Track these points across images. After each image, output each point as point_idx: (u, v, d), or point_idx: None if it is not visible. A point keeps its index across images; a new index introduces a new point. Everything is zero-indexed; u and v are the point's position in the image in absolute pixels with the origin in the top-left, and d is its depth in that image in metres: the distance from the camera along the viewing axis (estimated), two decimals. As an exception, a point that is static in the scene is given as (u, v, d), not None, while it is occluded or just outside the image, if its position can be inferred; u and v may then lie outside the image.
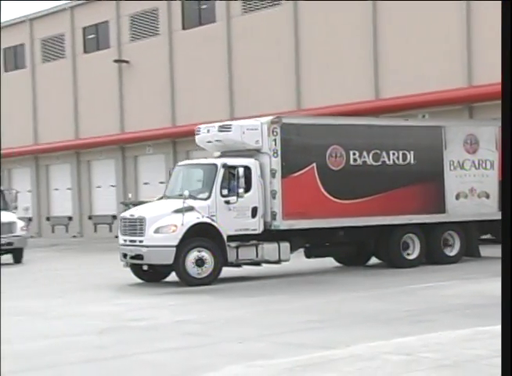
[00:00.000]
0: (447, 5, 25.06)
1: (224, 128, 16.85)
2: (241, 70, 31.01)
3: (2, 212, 24.07)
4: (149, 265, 16.15)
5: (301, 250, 17.62)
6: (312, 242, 17.38)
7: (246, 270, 17.23)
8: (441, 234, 18.32)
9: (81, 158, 37.85)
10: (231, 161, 16.32)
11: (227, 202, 15.99)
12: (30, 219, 36.21)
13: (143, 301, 14.21)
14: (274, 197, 16.33)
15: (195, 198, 16.07)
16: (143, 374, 8.41)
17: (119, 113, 35.57)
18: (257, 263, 16.61)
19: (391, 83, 26.66)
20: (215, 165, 16.26)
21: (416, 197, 17.96)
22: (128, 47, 35.23)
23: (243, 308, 12.93)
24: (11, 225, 23.75)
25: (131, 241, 16.18)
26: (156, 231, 15.73)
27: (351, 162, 17.22)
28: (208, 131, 17.24)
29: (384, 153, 17.60)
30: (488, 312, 10.95)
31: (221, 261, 15.96)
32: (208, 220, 15.89)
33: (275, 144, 16.36)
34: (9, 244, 23.62)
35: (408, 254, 17.98)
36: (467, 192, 18.56)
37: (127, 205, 17.98)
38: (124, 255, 16.34)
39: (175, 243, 15.61)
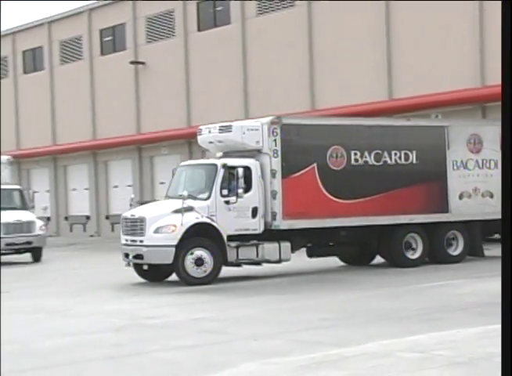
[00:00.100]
0: (460, 5, 24.95)
1: (224, 129, 16.83)
2: (256, 71, 31.00)
3: (22, 212, 24.20)
4: (149, 265, 16.15)
5: (303, 250, 17.51)
6: (314, 242, 17.28)
7: (252, 270, 17.20)
8: (444, 234, 18.18)
9: (99, 159, 37.97)
10: (231, 162, 16.30)
11: (227, 202, 15.95)
12: (48, 219, 36.37)
13: (158, 300, 14.24)
14: (274, 197, 16.28)
15: (195, 198, 16.06)
16: (160, 371, 8.42)
17: (135, 114, 35.66)
18: (258, 263, 16.54)
19: (404, 83, 26.58)
20: (215, 166, 16.25)
21: (419, 196, 17.82)
22: (144, 49, 35.30)
23: (256, 306, 12.92)
24: (30, 224, 23.86)
25: (132, 241, 16.18)
26: (156, 231, 15.73)
27: (353, 162, 17.13)
28: (209, 131, 17.23)
29: (386, 154, 17.50)
30: (499, 311, 10.88)
31: (221, 260, 15.91)
32: (208, 220, 15.86)
33: (276, 144, 16.32)
34: (28, 242, 23.74)
35: (411, 254, 17.85)
36: (471, 191, 18.42)
37: (130, 205, 17.97)
38: (126, 255, 16.35)
39: (175, 243, 15.58)
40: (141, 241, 15.92)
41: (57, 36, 39.25)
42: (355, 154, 17.18)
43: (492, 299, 12.18)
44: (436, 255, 18.15)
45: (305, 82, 29.34)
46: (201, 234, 15.88)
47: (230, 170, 16.05)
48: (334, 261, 18.65)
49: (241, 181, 15.87)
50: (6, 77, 42.18)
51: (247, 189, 16.14)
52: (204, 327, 11.04)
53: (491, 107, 24.53)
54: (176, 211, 15.72)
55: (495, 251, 18.62)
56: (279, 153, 16.33)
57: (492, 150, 18.55)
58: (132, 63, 35.16)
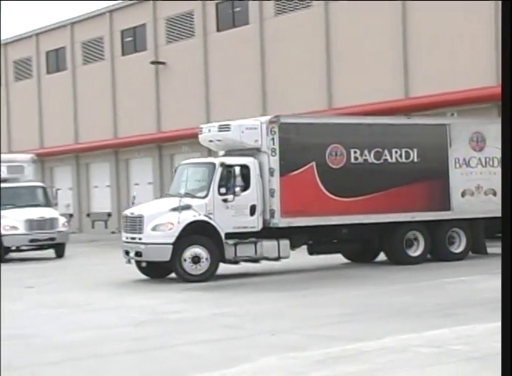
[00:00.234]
0: (476, 4, 24.78)
1: (223, 128, 16.82)
2: (273, 71, 30.97)
3: (45, 209, 24.33)
4: (150, 262, 16.15)
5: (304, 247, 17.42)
6: (314, 239, 17.15)
7: (259, 267, 17.19)
8: (446, 231, 17.98)
9: (120, 157, 38.09)
10: (229, 160, 16.27)
11: (225, 200, 15.90)
12: (71, 215, 36.52)
13: (176, 296, 14.26)
14: (272, 195, 16.21)
15: (193, 196, 16.07)
16: (180, 364, 8.43)
17: (156, 113, 35.74)
18: (256, 260, 16.47)
19: (420, 82, 26.44)
20: (213, 164, 16.23)
21: (420, 194, 17.64)
22: (164, 49, 35.37)
23: (273, 302, 12.92)
24: (53, 221, 23.97)
25: (131, 238, 16.21)
26: (154, 229, 15.74)
27: (352, 160, 17.00)
28: (209, 130, 17.23)
29: (386, 152, 17.34)
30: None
31: (218, 258, 15.88)
32: (205, 218, 15.82)
33: (274, 143, 16.26)
34: (52, 239, 23.86)
35: (412, 252, 17.68)
36: (473, 189, 18.21)
37: (132, 203, 18.00)
38: (127, 252, 16.36)
39: (172, 240, 15.57)
40: (140, 239, 15.95)
41: (79, 37, 39.41)
42: (355, 152, 17.03)
43: None
44: (438, 253, 17.97)
45: (322, 81, 29.28)
46: (199, 232, 15.85)
47: (228, 168, 16.01)
48: (339, 258, 18.50)
49: (239, 179, 15.84)
50: (30, 78, 42.44)
51: (246, 187, 16.09)
52: (224, 322, 11.05)
53: (507, 105, 24.29)
54: (174, 209, 15.71)
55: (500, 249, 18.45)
56: (278, 151, 16.26)
57: (496, 148, 18.26)
58: (153, 63, 35.23)
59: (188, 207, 15.76)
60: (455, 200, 18.04)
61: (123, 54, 37.40)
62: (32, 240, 23.62)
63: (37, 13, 78.96)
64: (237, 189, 15.83)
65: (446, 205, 17.94)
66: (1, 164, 25.14)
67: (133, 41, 36.92)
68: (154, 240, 15.70)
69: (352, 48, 28.35)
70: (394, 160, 17.46)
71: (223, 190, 15.92)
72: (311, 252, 17.52)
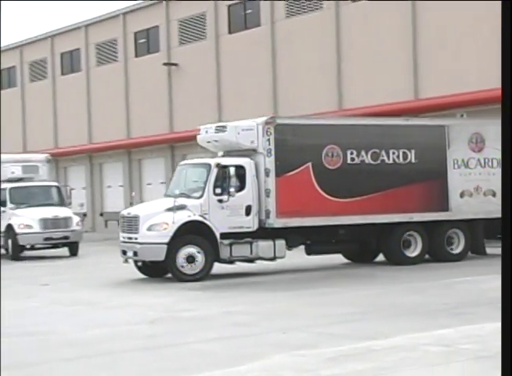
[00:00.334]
0: (486, 5, 24.71)
1: (220, 129, 16.86)
2: (284, 72, 30.98)
3: (59, 208, 24.43)
4: (144, 262, 16.17)
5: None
6: (311, 239, 17.05)
7: (266, 266, 17.21)
8: (444, 232, 17.87)
9: (133, 157, 38.18)
10: (225, 161, 16.28)
11: (220, 201, 15.89)
12: (84, 215, 36.61)
13: (190, 294, 14.30)
14: (268, 196, 16.18)
15: (189, 197, 16.09)
16: (194, 361, 8.47)
17: (168, 114, 35.82)
18: (251, 260, 16.44)
19: (430, 83, 26.39)
20: (209, 165, 16.25)
21: (417, 195, 17.51)
22: (176, 51, 35.43)
23: (285, 300, 12.94)
24: (67, 220, 24.07)
25: (128, 238, 16.25)
26: (149, 229, 15.77)
27: (349, 161, 16.91)
28: (207, 131, 17.27)
29: (384, 153, 17.23)
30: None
31: (213, 258, 15.87)
32: (200, 218, 15.82)
33: (269, 144, 16.23)
34: (66, 237, 23.96)
35: (410, 252, 17.60)
36: (472, 190, 18.06)
37: (131, 204, 18.04)
38: (124, 252, 16.39)
39: (166, 240, 15.59)
40: (135, 239, 15.98)
41: (93, 39, 39.53)
42: (352, 153, 16.94)
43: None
44: (436, 253, 17.86)
45: (333, 83, 29.26)
46: (194, 232, 15.86)
47: (224, 169, 16.01)
48: (341, 258, 18.44)
49: (233, 180, 15.83)
50: (45, 79, 42.61)
51: (241, 187, 16.07)
52: (235, 320, 11.07)
53: (515, 107, 24.23)
54: (169, 210, 15.73)
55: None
56: (273, 152, 16.24)
57: (495, 149, 18.09)
58: (165, 64, 35.31)
59: (183, 207, 15.79)
60: (453, 201, 17.90)
61: (136, 55, 37.49)
62: (46, 239, 23.73)
63: (52, 15, 79.24)
64: (232, 189, 15.81)
65: (444, 206, 17.80)
66: (17, 164, 25.30)
67: (146, 42, 37.01)
68: (149, 239, 15.73)
69: (362, 49, 28.32)
70: (391, 161, 17.34)
71: (218, 191, 15.91)
72: (308, 252, 17.43)
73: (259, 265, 17.07)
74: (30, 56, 43.35)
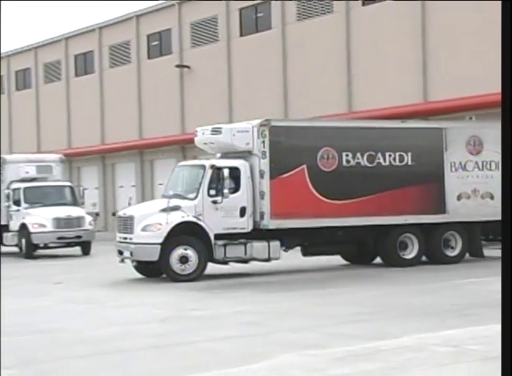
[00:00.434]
0: (496, 6, 24.62)
1: (215, 131, 16.84)
2: (295, 74, 30.97)
3: (72, 207, 24.51)
4: (145, 262, 16.17)
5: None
6: (307, 241, 16.96)
7: (280, 265, 17.19)
8: (441, 234, 17.72)
9: (145, 157, 38.26)
10: (220, 162, 16.26)
11: (214, 202, 15.87)
12: (97, 214, 36.73)
13: (199, 293, 14.31)
14: (262, 197, 16.13)
15: (184, 198, 16.10)
16: (203, 360, 8.47)
17: (180, 115, 35.86)
18: (245, 261, 16.41)
19: (439, 86, 26.32)
20: (204, 166, 16.26)
21: (413, 198, 17.37)
22: (188, 53, 35.48)
23: (294, 300, 12.92)
24: (80, 219, 24.14)
25: (124, 239, 16.28)
26: (143, 229, 15.79)
27: (344, 163, 16.83)
28: (203, 133, 17.27)
29: (380, 155, 17.13)
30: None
31: (206, 258, 15.85)
32: (194, 219, 15.81)
33: (264, 146, 16.20)
34: (78, 237, 24.04)
35: (406, 254, 17.48)
36: (470, 193, 17.89)
37: (129, 204, 18.03)
38: (120, 252, 16.41)
39: (160, 241, 15.60)
40: (131, 239, 16.02)
41: (107, 41, 39.64)
42: (347, 156, 16.86)
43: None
44: (433, 256, 17.73)
45: (343, 85, 29.23)
46: (188, 233, 15.86)
47: (218, 171, 15.99)
48: (338, 259, 18.37)
49: (227, 181, 15.81)
50: (59, 80, 42.75)
51: (236, 189, 16.06)
52: (245, 319, 11.07)
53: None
54: (163, 211, 15.75)
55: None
56: (268, 154, 16.21)
57: (494, 152, 17.92)
58: (178, 66, 35.36)
59: (177, 208, 15.80)
60: (450, 204, 17.73)
61: (149, 57, 37.56)
62: (59, 238, 23.81)
63: (66, 18, 79.51)
64: (226, 191, 15.78)
65: (441, 208, 17.66)
66: (31, 164, 25.40)
67: (159, 45, 37.08)
68: (143, 240, 15.76)
69: (372, 52, 28.28)
70: (387, 163, 17.22)
71: (213, 192, 15.90)
72: (304, 254, 17.36)
73: (263, 266, 17.06)
74: (44, 57, 43.51)
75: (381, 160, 17.19)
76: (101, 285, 15.98)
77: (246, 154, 16.43)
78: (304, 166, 16.53)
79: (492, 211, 17.61)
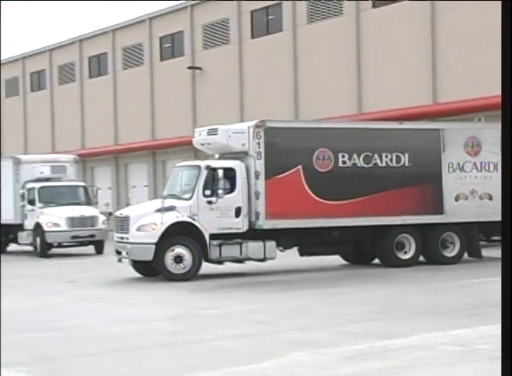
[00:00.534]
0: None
1: (211, 132, 16.84)
2: (305, 76, 30.95)
3: (86, 207, 24.57)
4: (142, 261, 16.16)
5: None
6: (303, 241, 16.87)
7: (288, 264, 17.12)
8: (439, 235, 17.58)
9: (157, 158, 38.32)
10: (215, 163, 16.26)
11: (209, 202, 15.85)
12: (110, 214, 36.80)
13: (210, 292, 14.30)
14: (257, 198, 16.09)
15: (179, 198, 16.10)
16: (213, 358, 8.46)
17: (192, 116, 35.90)
18: (241, 261, 16.36)
19: (449, 87, 26.24)
20: (199, 167, 16.26)
21: (411, 198, 17.24)
22: (200, 55, 35.52)
23: (303, 299, 12.89)
24: (93, 219, 24.20)
25: (121, 238, 16.32)
26: (138, 229, 15.81)
27: (340, 164, 16.74)
28: (200, 134, 17.28)
29: (376, 156, 17.02)
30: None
31: (201, 258, 15.83)
32: (188, 219, 15.80)
33: (259, 147, 16.16)
34: (92, 236, 24.10)
35: (403, 254, 17.36)
36: (468, 194, 17.72)
37: (127, 204, 18.10)
38: (118, 252, 16.42)
39: (155, 240, 15.60)
40: (127, 238, 16.05)
41: (120, 43, 39.74)
42: (343, 156, 16.77)
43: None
44: (431, 256, 17.61)
45: (353, 87, 29.18)
46: (183, 233, 15.84)
47: (213, 171, 15.98)
48: (337, 259, 18.31)
49: (222, 182, 15.79)
50: (73, 82, 42.89)
51: (232, 189, 16.05)
52: (255, 318, 11.04)
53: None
54: (158, 211, 15.76)
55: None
56: (263, 155, 16.17)
57: (492, 153, 17.75)
58: (190, 68, 35.41)
59: (172, 208, 15.82)
60: (448, 204, 17.59)
61: (161, 59, 37.63)
62: (73, 237, 23.88)
63: (80, 20, 79.79)
64: (220, 191, 15.77)
65: (439, 209, 17.52)
66: (46, 164, 25.49)
67: (171, 47, 37.14)
68: (139, 239, 15.79)
69: (382, 54, 28.23)
70: (384, 164, 17.12)
71: (208, 192, 15.88)
72: (301, 254, 17.29)
73: (269, 265, 17.00)
74: (59, 59, 43.67)
75: (378, 161, 17.10)
76: (113, 283, 16.01)
77: (242, 155, 16.45)
78: (300, 167, 16.49)
79: (491, 211, 17.48)
